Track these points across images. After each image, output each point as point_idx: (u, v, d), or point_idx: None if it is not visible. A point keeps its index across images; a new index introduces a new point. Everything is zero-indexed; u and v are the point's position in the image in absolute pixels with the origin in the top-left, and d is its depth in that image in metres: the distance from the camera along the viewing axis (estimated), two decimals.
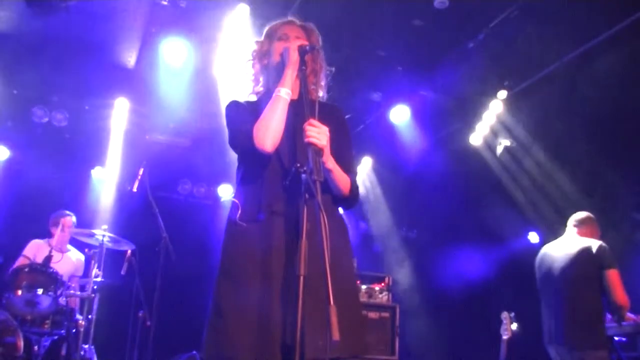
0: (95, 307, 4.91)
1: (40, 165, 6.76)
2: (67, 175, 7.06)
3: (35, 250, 5.38)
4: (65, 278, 5.00)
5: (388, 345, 5.34)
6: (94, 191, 7.35)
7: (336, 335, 1.60)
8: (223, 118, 2.34)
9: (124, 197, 6.79)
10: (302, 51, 2.22)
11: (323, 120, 2.09)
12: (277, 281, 2.03)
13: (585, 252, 4.11)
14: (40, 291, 4.60)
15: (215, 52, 5.65)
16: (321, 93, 2.43)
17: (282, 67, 2.25)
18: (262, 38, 2.46)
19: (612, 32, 4.98)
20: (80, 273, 5.55)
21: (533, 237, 7.92)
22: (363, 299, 5.47)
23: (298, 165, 1.96)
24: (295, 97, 2.28)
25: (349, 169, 2.28)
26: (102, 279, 4.99)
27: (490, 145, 6.84)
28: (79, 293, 4.95)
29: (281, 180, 2.14)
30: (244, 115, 2.26)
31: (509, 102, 6.27)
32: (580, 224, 4.37)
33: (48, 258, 4.86)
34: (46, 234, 5.57)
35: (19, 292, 4.57)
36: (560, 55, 5.47)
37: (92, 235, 5.09)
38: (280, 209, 2.11)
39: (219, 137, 6.93)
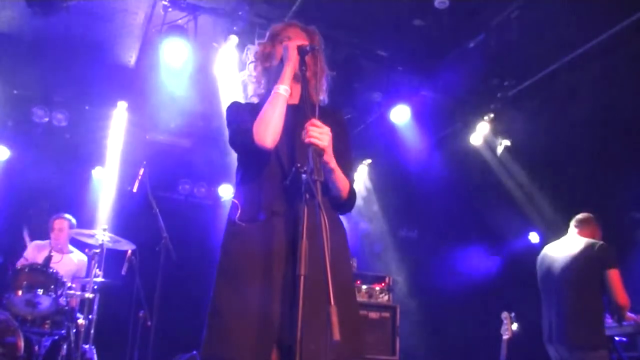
0: (95, 307, 4.91)
1: (41, 165, 6.76)
2: (67, 176, 7.06)
3: (35, 251, 5.38)
4: (66, 279, 5.00)
5: (388, 346, 5.33)
6: (95, 191, 7.35)
7: (337, 335, 1.59)
8: (224, 119, 2.34)
9: (124, 197, 6.78)
10: (302, 51, 2.22)
11: (323, 122, 2.09)
12: (277, 281, 2.03)
13: (586, 251, 4.11)
14: (40, 291, 4.61)
15: (216, 52, 5.65)
16: (322, 96, 2.43)
17: (282, 66, 2.25)
18: (264, 40, 2.46)
19: (612, 32, 4.97)
20: (83, 274, 5.56)
21: (533, 237, 7.93)
22: (363, 298, 5.47)
23: (298, 165, 1.96)
24: (296, 101, 2.28)
25: (347, 173, 2.28)
26: (103, 279, 4.99)
27: (490, 145, 6.84)
28: (79, 293, 4.96)
29: (281, 180, 2.14)
30: (244, 115, 2.26)
31: (510, 102, 6.26)
32: (581, 224, 4.37)
33: (48, 258, 4.87)
34: (47, 234, 5.58)
35: (20, 293, 4.58)
36: (561, 55, 5.47)
37: (92, 235, 5.09)
38: (280, 209, 2.11)
39: (220, 137, 6.94)
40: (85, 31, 5.53)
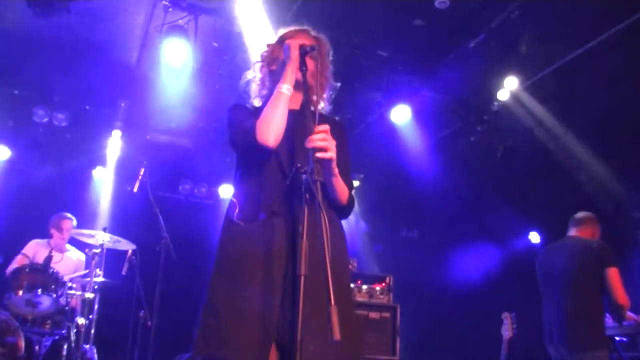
0: (96, 307, 4.91)
1: (41, 165, 6.78)
2: (68, 175, 7.07)
3: (35, 249, 5.38)
4: (66, 278, 5.00)
5: (389, 346, 5.33)
6: (95, 191, 7.35)
7: (337, 335, 1.59)
8: (226, 119, 2.34)
9: (124, 197, 6.79)
10: (302, 51, 2.21)
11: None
12: (276, 281, 2.02)
13: (585, 251, 4.11)
14: (40, 291, 4.61)
15: (216, 52, 5.66)
16: (323, 104, 2.43)
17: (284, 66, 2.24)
18: (273, 42, 2.44)
19: (612, 32, 4.97)
20: (81, 272, 5.56)
21: (533, 237, 7.93)
22: (364, 298, 5.47)
23: (299, 165, 1.96)
24: (296, 107, 2.28)
25: (347, 180, 2.28)
26: (103, 279, 4.99)
27: (490, 145, 6.84)
28: (79, 293, 4.96)
29: (281, 181, 2.14)
30: (246, 115, 2.25)
31: (510, 101, 6.26)
32: (581, 223, 4.37)
33: (48, 258, 4.87)
34: (47, 234, 5.59)
35: (20, 292, 4.58)
36: (561, 55, 5.47)
37: (92, 235, 5.09)
38: (280, 209, 2.11)
39: (220, 138, 6.95)
40: (86, 31, 5.53)
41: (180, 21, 5.25)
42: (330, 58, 2.44)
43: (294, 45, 2.22)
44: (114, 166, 7.21)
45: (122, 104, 6.83)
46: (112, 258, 5.31)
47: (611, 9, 4.70)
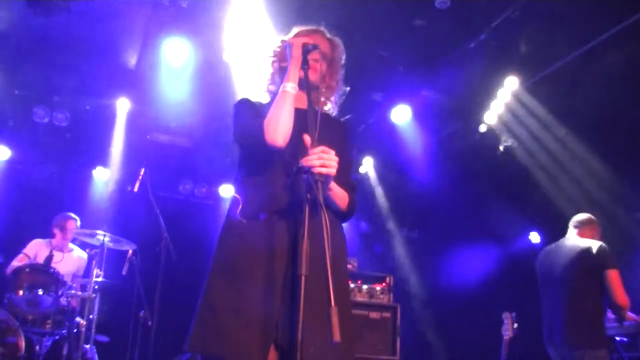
0: (96, 307, 4.91)
1: (42, 165, 6.78)
2: (68, 175, 7.07)
3: (36, 249, 5.38)
4: (66, 278, 5.01)
5: (389, 346, 5.33)
6: (95, 191, 7.35)
7: (337, 336, 1.59)
8: (228, 117, 2.33)
9: (125, 197, 6.79)
10: (305, 49, 2.20)
11: (328, 129, 2.10)
12: (276, 281, 2.02)
13: (585, 252, 4.11)
14: (41, 291, 4.61)
15: (217, 52, 5.65)
16: (329, 106, 2.43)
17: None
18: (287, 37, 2.42)
19: (613, 32, 4.97)
20: (82, 272, 5.56)
21: (534, 237, 7.92)
22: (364, 298, 5.47)
23: (300, 165, 1.95)
24: (303, 105, 2.27)
25: (348, 184, 2.27)
26: (103, 279, 4.99)
27: (491, 145, 6.84)
28: (80, 293, 4.96)
29: (283, 180, 2.13)
30: (253, 112, 2.24)
31: (511, 102, 6.26)
32: (581, 225, 4.37)
33: (49, 258, 4.87)
34: (47, 234, 5.58)
35: (21, 292, 4.58)
36: (562, 55, 5.47)
37: (93, 235, 5.09)
38: (281, 209, 2.11)
39: (220, 138, 6.95)
40: (86, 31, 5.53)
41: (180, 21, 5.25)
42: (343, 62, 2.42)
43: (297, 44, 2.21)
44: (114, 166, 7.21)
45: (122, 104, 6.83)
46: (113, 258, 5.31)
47: (611, 9, 4.70)
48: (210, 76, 5.98)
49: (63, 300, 4.82)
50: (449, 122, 7.04)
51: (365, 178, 8.10)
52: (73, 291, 4.96)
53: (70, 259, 5.55)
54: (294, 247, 2.02)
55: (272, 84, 2.41)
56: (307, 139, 1.99)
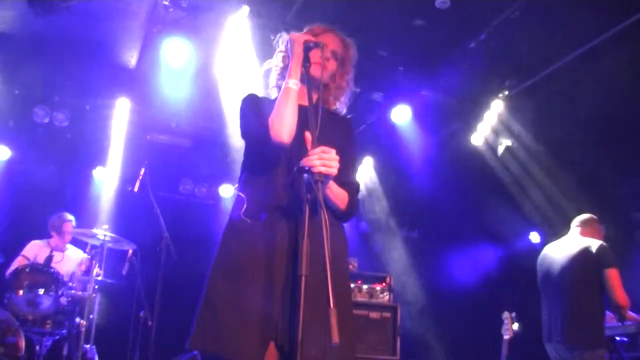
0: (96, 307, 4.91)
1: (42, 165, 6.76)
2: (68, 175, 7.06)
3: (35, 251, 5.38)
4: (66, 278, 5.01)
5: (389, 345, 5.33)
6: (96, 191, 7.35)
7: (336, 338, 1.59)
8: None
9: (125, 197, 6.79)
10: (306, 47, 2.19)
11: (331, 126, 2.10)
12: (277, 281, 2.02)
13: (585, 251, 4.11)
14: (41, 291, 4.62)
15: (217, 52, 5.66)
16: (337, 105, 2.43)
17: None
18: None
19: (613, 31, 4.97)
20: (83, 269, 5.55)
21: (534, 237, 7.92)
22: (364, 298, 5.47)
23: (300, 165, 1.95)
24: (306, 103, 2.27)
25: (350, 185, 2.27)
26: (104, 279, 4.99)
27: (491, 145, 6.84)
28: (80, 293, 4.96)
29: (285, 179, 2.13)
30: (260, 108, 2.23)
31: (511, 101, 6.26)
32: (583, 224, 4.37)
33: (49, 258, 4.88)
34: (47, 234, 5.59)
35: (21, 292, 4.59)
36: (562, 55, 5.47)
37: (93, 235, 5.09)
38: (282, 209, 2.11)
39: (221, 137, 6.94)
40: (86, 31, 5.53)
41: (180, 21, 5.25)
42: (354, 63, 2.42)
43: (298, 41, 2.20)
44: (114, 166, 7.21)
45: (123, 104, 6.83)
46: (113, 258, 5.31)
47: (612, 9, 4.70)
48: (211, 76, 5.98)
49: (63, 300, 4.82)
50: (449, 122, 7.04)
51: (365, 178, 8.09)
52: (73, 291, 4.96)
53: (70, 259, 5.55)
54: (295, 247, 2.02)
55: (281, 79, 2.39)
56: (307, 136, 1.99)
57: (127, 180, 5.86)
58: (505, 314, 4.41)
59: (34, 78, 6.16)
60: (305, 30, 2.40)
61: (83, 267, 5.46)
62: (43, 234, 5.61)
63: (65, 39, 5.60)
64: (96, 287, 4.90)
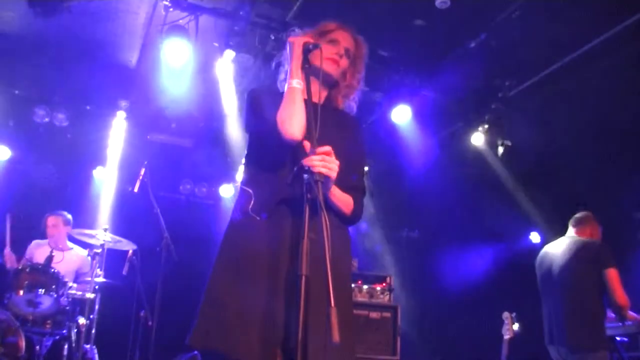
0: (96, 307, 4.91)
1: (42, 165, 6.77)
2: (68, 175, 7.07)
3: (35, 249, 5.38)
4: (67, 277, 5.01)
5: (389, 345, 5.33)
6: (96, 191, 7.35)
7: (336, 337, 1.59)
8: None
9: (125, 197, 6.79)
10: (305, 49, 2.19)
11: (340, 125, 2.10)
12: (280, 279, 2.01)
13: (584, 251, 4.11)
14: (41, 291, 4.62)
15: (217, 52, 5.66)
16: (347, 103, 2.41)
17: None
18: (313, 30, 2.39)
19: (614, 32, 4.97)
20: (86, 269, 5.55)
21: (534, 237, 7.92)
22: (364, 298, 5.47)
23: (301, 165, 1.95)
24: (317, 100, 2.24)
25: (357, 188, 2.26)
26: (104, 279, 4.99)
27: (491, 145, 6.84)
28: (80, 293, 4.96)
29: (288, 177, 2.12)
30: (268, 102, 2.21)
31: (511, 102, 6.26)
32: (580, 223, 4.37)
33: (49, 258, 4.88)
34: (46, 235, 5.59)
35: (21, 292, 4.59)
36: (562, 55, 5.47)
37: (93, 235, 5.09)
38: (285, 207, 2.09)
39: (221, 138, 6.95)
40: (86, 31, 5.53)
41: (181, 21, 5.25)
42: (366, 62, 2.42)
43: (298, 43, 2.20)
44: (114, 166, 7.21)
45: (123, 104, 6.84)
46: (113, 258, 5.31)
47: (612, 9, 4.70)
48: (211, 76, 5.98)
49: (63, 300, 4.82)
50: (449, 122, 7.04)
51: (365, 178, 8.08)
52: (73, 291, 4.96)
53: (71, 259, 5.54)
54: (297, 247, 2.02)
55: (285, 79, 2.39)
56: (306, 144, 1.98)
57: (127, 180, 5.86)
58: (506, 314, 4.41)
59: (34, 78, 6.17)
60: (318, 27, 2.39)
61: (85, 270, 5.47)
62: (43, 234, 5.61)
63: (66, 39, 5.60)
64: (96, 287, 4.90)
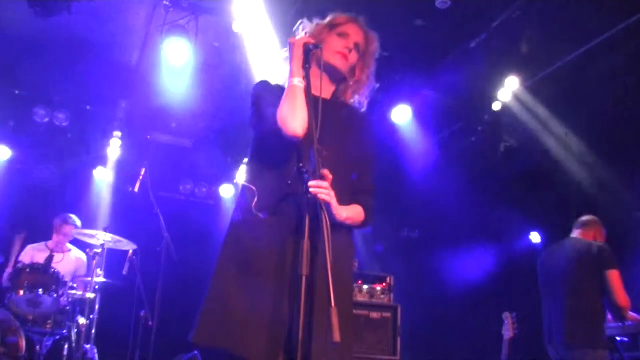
0: (97, 307, 4.91)
1: (42, 165, 6.77)
2: (68, 175, 7.07)
3: (31, 255, 5.36)
4: (67, 278, 5.01)
5: (390, 346, 5.33)
6: (96, 191, 7.35)
7: (337, 337, 1.59)
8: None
9: (125, 197, 6.79)
10: (306, 49, 2.18)
11: (349, 123, 2.14)
12: (284, 278, 2.01)
13: (585, 252, 4.11)
14: (42, 291, 4.62)
15: (217, 52, 5.66)
16: (356, 99, 2.42)
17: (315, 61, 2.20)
18: (323, 22, 2.37)
19: (615, 31, 4.97)
20: (83, 272, 5.56)
21: (534, 237, 7.92)
22: (365, 298, 5.47)
23: (300, 165, 1.95)
24: (327, 96, 2.22)
25: (367, 193, 2.26)
26: (104, 279, 4.99)
27: (492, 145, 6.83)
28: (80, 293, 4.96)
29: (291, 175, 2.12)
30: (275, 96, 2.19)
31: (511, 102, 6.25)
32: (585, 226, 4.36)
33: (50, 258, 4.87)
34: (47, 234, 5.58)
35: (21, 292, 4.59)
36: (563, 55, 5.46)
37: (94, 236, 5.09)
38: (288, 206, 2.08)
39: (221, 138, 6.95)
40: (86, 31, 5.53)
41: (181, 21, 5.25)
42: (376, 57, 2.40)
43: (298, 43, 2.19)
44: (114, 166, 7.21)
45: (123, 104, 6.84)
46: (113, 258, 5.31)
47: (612, 9, 4.70)
48: (211, 76, 5.98)
49: (63, 301, 4.82)
50: (449, 122, 7.03)
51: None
52: (74, 291, 4.96)
53: (70, 260, 5.55)
54: (297, 247, 2.01)
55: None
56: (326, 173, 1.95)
57: (127, 180, 5.86)
58: (506, 314, 4.41)
59: (35, 78, 6.16)
60: (328, 19, 2.37)
61: (82, 272, 5.47)
62: (42, 234, 5.61)
63: (66, 39, 5.60)
64: (97, 287, 4.90)
